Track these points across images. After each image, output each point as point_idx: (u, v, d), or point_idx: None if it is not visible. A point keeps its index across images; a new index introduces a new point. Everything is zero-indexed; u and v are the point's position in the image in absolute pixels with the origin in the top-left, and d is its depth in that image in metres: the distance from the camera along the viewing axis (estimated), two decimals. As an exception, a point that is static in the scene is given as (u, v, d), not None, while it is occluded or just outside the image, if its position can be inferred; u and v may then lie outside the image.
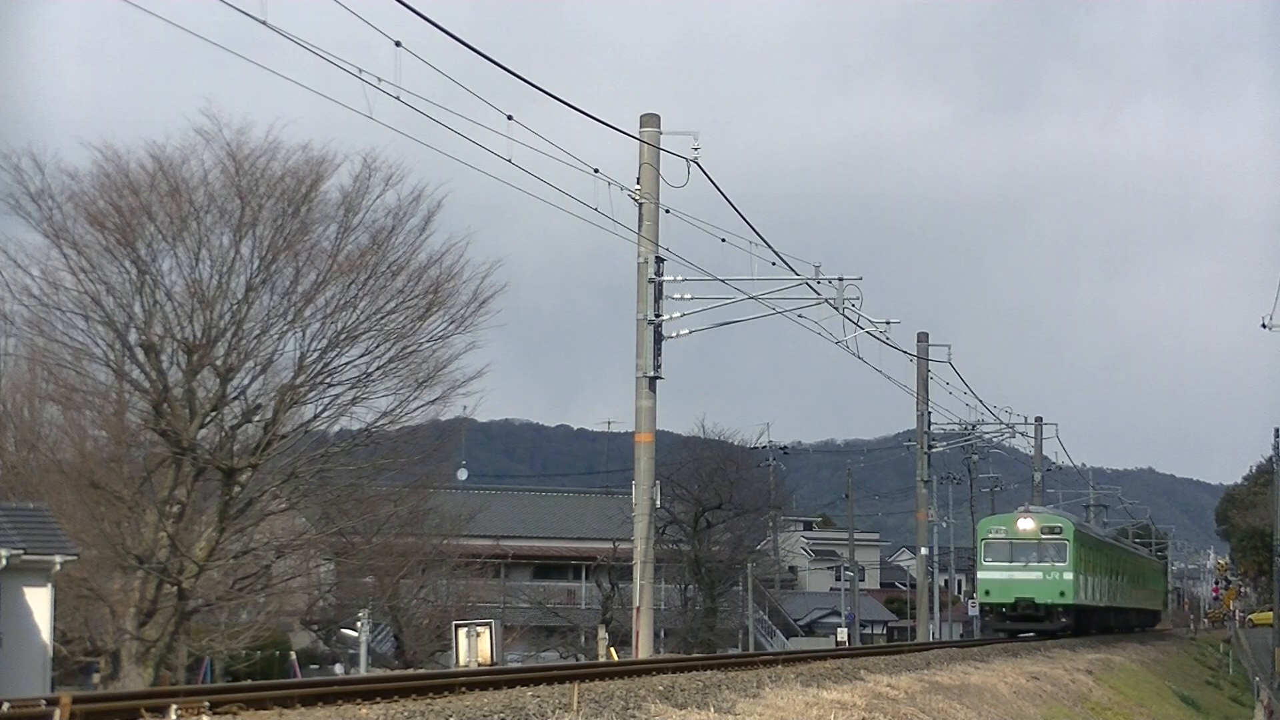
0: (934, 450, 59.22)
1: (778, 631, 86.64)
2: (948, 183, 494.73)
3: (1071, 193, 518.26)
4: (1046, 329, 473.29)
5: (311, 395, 42.01)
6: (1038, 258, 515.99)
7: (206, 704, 15.22)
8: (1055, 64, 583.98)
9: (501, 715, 15.74)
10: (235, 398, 40.89)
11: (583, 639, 68.58)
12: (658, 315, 32.78)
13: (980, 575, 56.47)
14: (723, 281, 33.91)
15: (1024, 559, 54.75)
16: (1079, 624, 57.50)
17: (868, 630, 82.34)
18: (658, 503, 33.81)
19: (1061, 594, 54.54)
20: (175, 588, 38.93)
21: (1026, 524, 55.26)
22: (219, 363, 40.23)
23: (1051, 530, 55.07)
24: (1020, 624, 55.02)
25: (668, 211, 32.81)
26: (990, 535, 55.94)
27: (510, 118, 25.64)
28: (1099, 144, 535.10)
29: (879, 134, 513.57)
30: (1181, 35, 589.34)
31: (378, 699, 17.03)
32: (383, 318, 42.26)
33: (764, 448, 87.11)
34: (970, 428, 63.17)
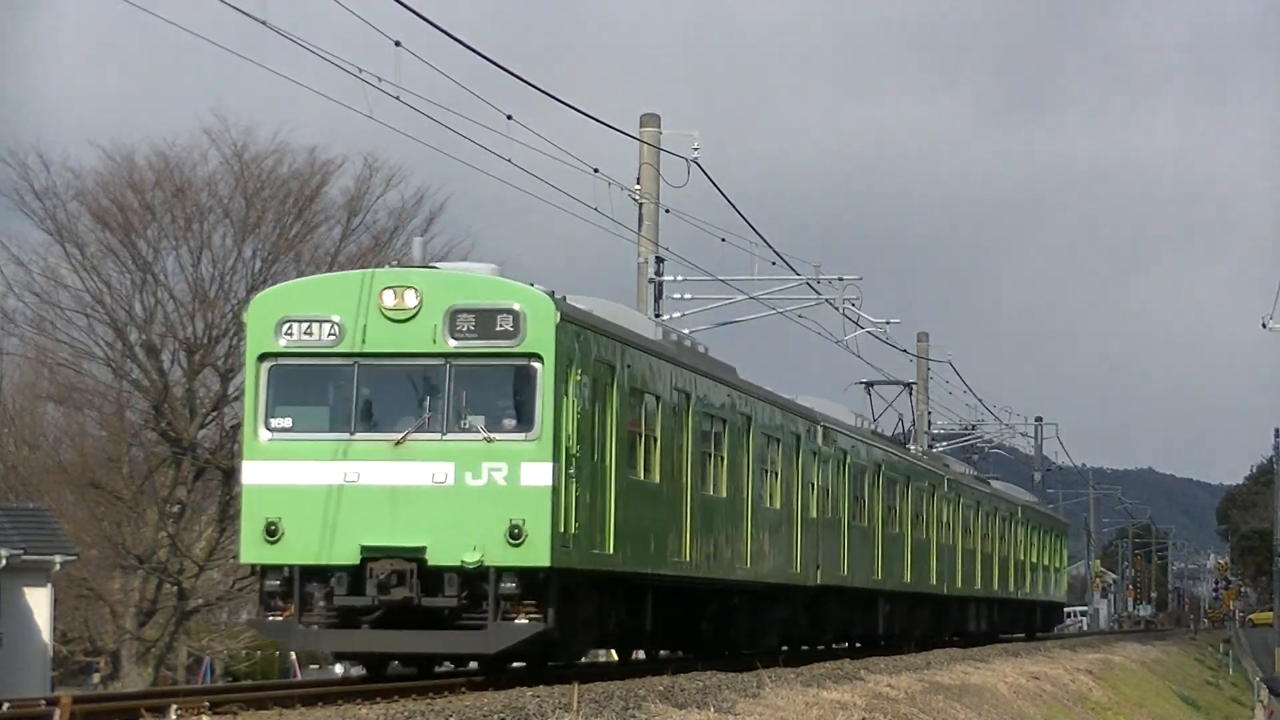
0: (934, 450, 59.11)
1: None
2: (958, 185, 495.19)
3: (1082, 196, 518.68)
4: (1052, 330, 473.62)
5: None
6: (1046, 260, 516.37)
7: (206, 704, 15.27)
8: (1072, 67, 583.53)
9: (501, 715, 15.74)
10: (236, 398, 40.93)
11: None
12: (658, 315, 32.76)
13: (246, 472, 19.20)
14: (723, 281, 33.91)
15: (388, 419, 19.13)
16: (596, 622, 21.60)
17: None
18: (658, 503, 33.56)
19: (514, 536, 18.37)
20: (175, 588, 38.98)
21: (401, 300, 18.68)
22: (220, 362, 40.30)
23: (485, 320, 18.69)
24: (386, 629, 18.90)
25: (668, 211, 32.82)
26: (283, 344, 19.01)
27: (510, 118, 25.67)
28: (1112, 147, 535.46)
29: (889, 136, 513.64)
30: (1197, 38, 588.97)
31: (378, 699, 17.06)
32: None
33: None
34: (970, 427, 63.03)
